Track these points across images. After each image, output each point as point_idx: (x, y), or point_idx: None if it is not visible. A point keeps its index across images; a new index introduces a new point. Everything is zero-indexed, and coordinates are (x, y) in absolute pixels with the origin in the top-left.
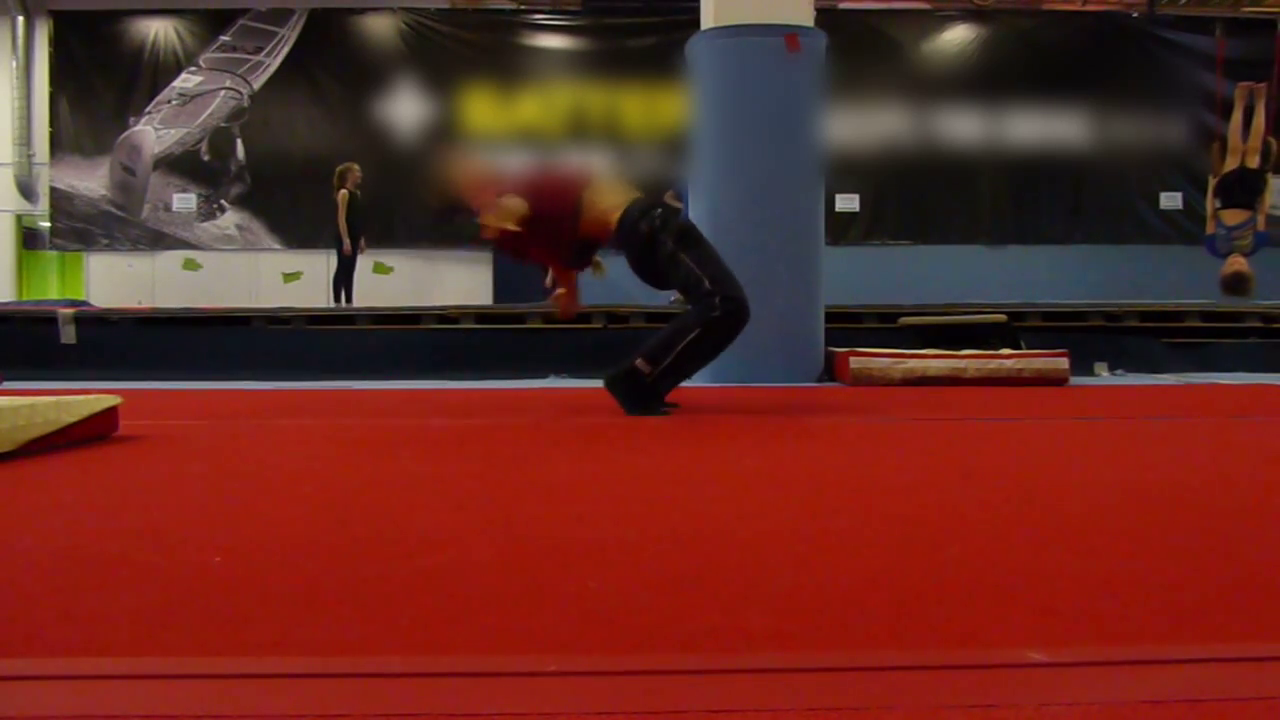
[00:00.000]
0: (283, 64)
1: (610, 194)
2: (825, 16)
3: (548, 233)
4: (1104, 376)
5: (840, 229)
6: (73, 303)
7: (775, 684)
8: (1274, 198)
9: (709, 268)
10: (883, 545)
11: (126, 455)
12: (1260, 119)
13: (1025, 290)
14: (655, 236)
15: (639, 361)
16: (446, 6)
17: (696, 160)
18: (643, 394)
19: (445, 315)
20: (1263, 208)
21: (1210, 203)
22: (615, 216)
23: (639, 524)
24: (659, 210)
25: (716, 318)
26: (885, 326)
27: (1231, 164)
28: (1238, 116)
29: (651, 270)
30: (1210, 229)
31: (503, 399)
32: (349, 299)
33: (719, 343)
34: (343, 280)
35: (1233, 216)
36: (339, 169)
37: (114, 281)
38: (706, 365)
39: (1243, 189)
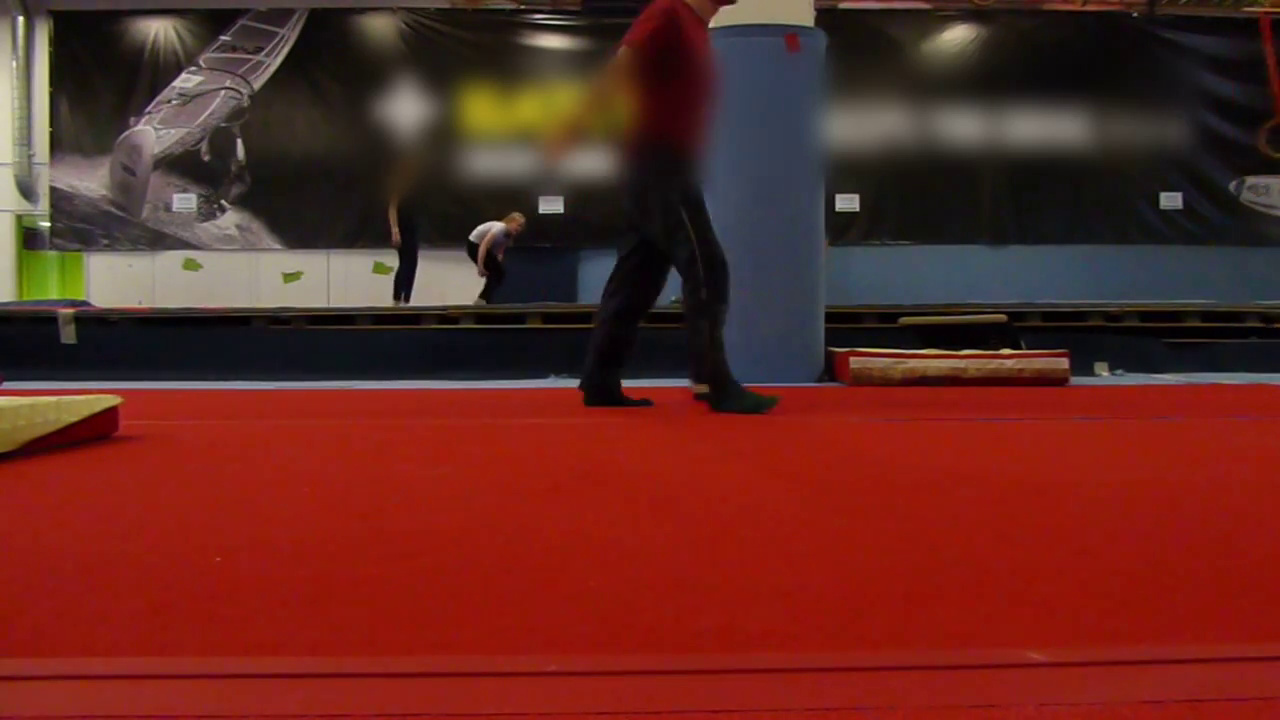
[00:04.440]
0: (283, 64)
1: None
2: (825, 16)
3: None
4: (1104, 376)
5: (840, 229)
6: (73, 303)
7: (775, 684)
8: (1274, 198)
9: (703, 242)
10: (883, 545)
11: (126, 455)
12: None
13: (1025, 290)
14: (672, 180)
15: (701, 388)
16: (446, 6)
17: None
18: (726, 391)
19: (445, 315)
20: None
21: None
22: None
23: (639, 524)
24: (688, 160)
25: (704, 300)
26: (885, 326)
27: None
28: None
29: (639, 208)
30: None
31: (502, 399)
32: (408, 298)
33: (723, 310)
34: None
35: None
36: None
37: (114, 281)
38: (725, 323)
39: None
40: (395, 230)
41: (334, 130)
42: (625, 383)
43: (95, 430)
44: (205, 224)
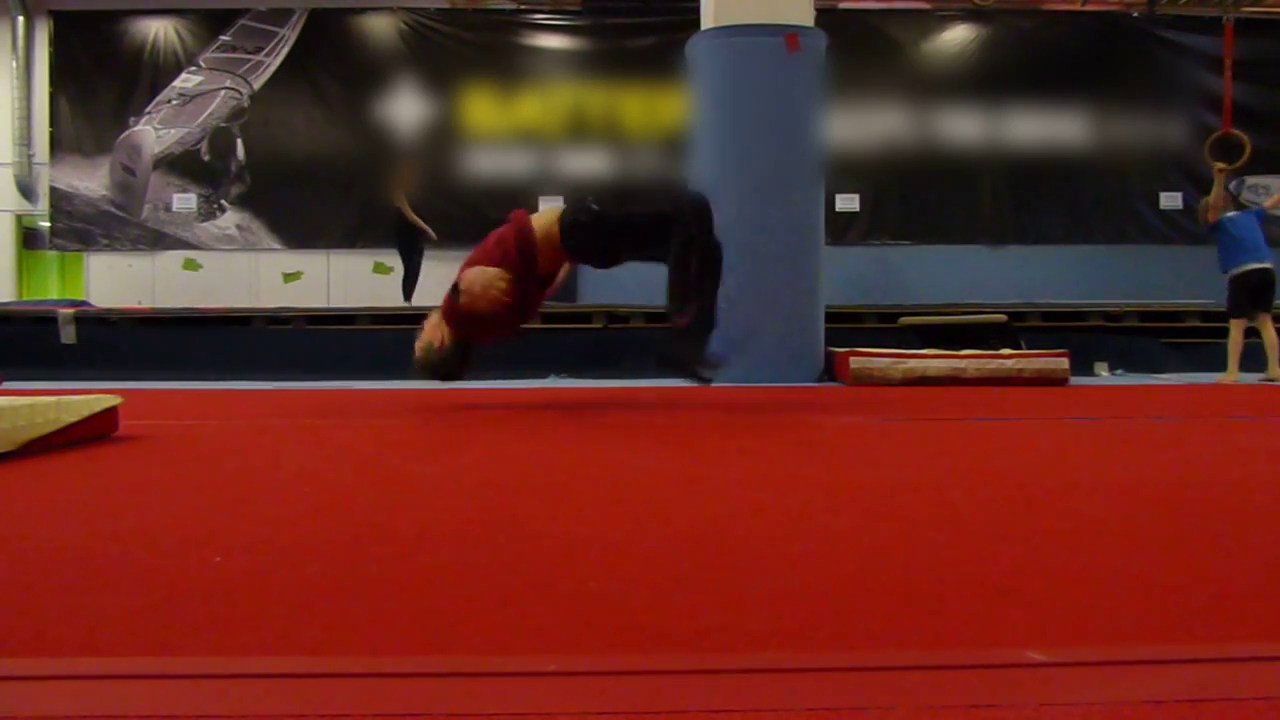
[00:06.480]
0: (283, 64)
1: (544, 214)
2: (825, 16)
3: (524, 278)
4: (1104, 376)
5: (840, 229)
6: (73, 303)
7: (775, 684)
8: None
9: (657, 204)
10: (883, 545)
11: (126, 455)
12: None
13: (1025, 290)
14: (599, 215)
15: (676, 319)
16: (446, 6)
17: (697, 160)
18: (692, 344)
19: None
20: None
21: (1217, 191)
22: (556, 228)
23: (639, 524)
24: (589, 200)
25: (685, 227)
26: (885, 326)
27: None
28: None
29: (602, 251)
30: (1213, 218)
31: (502, 399)
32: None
33: (709, 243)
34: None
35: None
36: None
37: (114, 281)
38: (720, 272)
39: None
40: (419, 221)
41: (334, 130)
42: (624, 382)
43: (95, 430)
44: (205, 224)
